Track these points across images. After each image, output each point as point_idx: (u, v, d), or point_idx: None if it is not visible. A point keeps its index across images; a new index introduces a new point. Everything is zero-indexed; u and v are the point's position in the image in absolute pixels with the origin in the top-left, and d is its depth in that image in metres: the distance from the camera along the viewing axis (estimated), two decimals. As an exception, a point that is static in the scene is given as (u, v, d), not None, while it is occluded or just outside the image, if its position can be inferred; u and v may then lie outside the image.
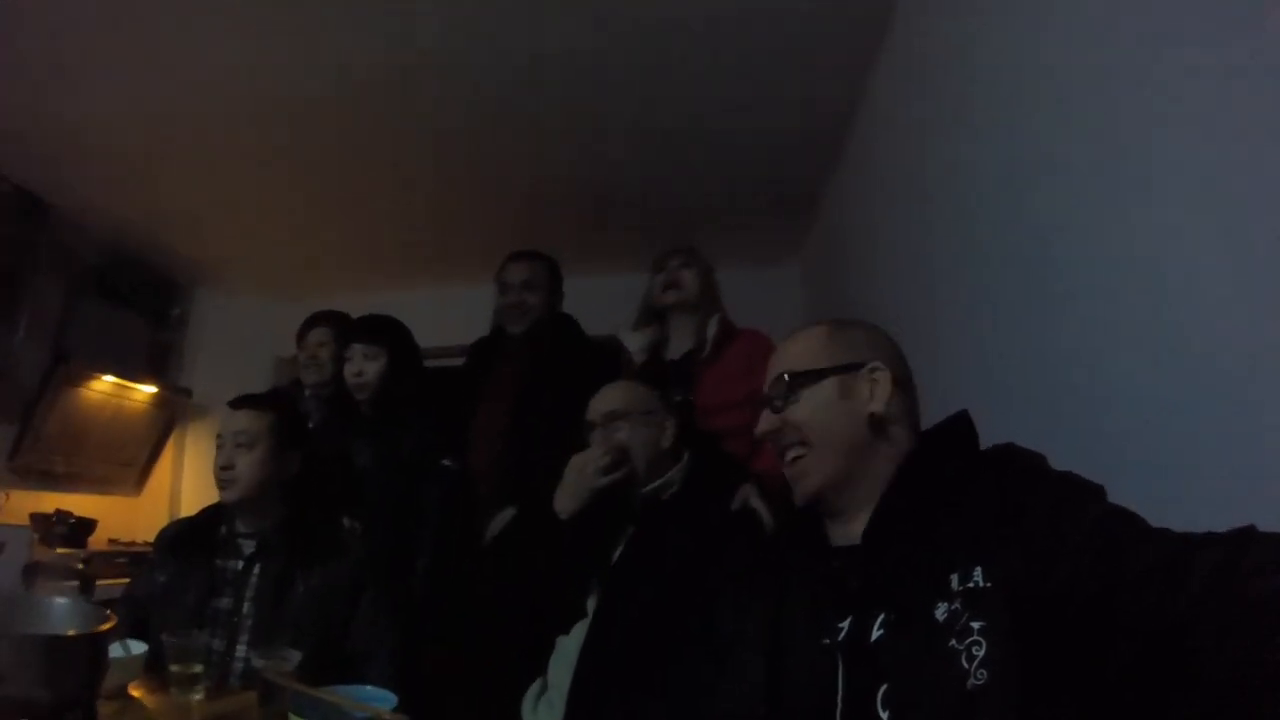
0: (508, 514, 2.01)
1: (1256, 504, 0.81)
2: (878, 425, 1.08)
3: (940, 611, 0.87)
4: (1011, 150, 1.59)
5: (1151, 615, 0.73)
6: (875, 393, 1.09)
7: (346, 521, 2.02)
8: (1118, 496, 0.87)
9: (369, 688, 1.25)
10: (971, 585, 0.87)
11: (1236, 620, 0.67)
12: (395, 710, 1.18)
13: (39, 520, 3.36)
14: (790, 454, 1.11)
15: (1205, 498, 0.97)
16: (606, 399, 1.73)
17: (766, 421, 1.14)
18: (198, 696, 1.42)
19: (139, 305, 4.23)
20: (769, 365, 1.19)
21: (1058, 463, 0.95)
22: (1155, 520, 0.82)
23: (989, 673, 0.80)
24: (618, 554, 1.61)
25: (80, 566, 1.73)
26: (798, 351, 1.16)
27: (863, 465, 1.06)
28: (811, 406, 1.10)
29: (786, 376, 1.13)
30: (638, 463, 1.65)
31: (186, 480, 4.52)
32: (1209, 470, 0.99)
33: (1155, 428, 1.11)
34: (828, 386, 1.10)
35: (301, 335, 2.77)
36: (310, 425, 2.44)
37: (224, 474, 1.77)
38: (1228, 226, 0.97)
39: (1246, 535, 0.73)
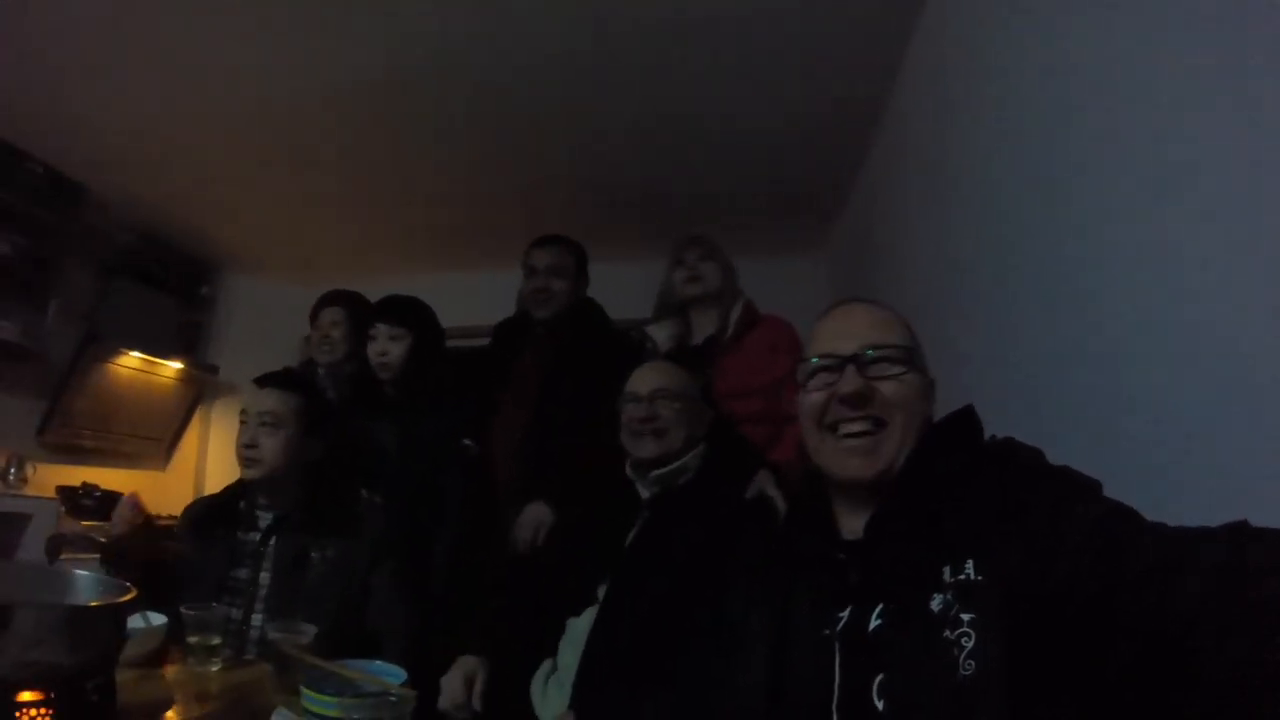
0: (540, 513, 2.04)
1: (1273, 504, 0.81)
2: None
3: (935, 603, 0.88)
4: (1040, 150, 1.58)
5: (1151, 615, 0.72)
6: (932, 402, 1.09)
7: (365, 493, 2.04)
8: (1132, 495, 0.86)
9: (379, 662, 1.27)
10: (963, 578, 0.87)
11: (1237, 620, 0.67)
12: (404, 685, 1.20)
13: (66, 493, 3.43)
14: (855, 426, 1.04)
15: (1221, 498, 0.95)
16: (655, 376, 1.74)
17: (853, 382, 1.04)
18: (215, 668, 1.45)
19: (169, 286, 4.29)
20: (843, 323, 1.11)
21: (1076, 460, 0.94)
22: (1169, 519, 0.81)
23: (976, 664, 0.81)
24: (630, 539, 1.62)
25: (103, 540, 1.76)
26: (895, 328, 1.10)
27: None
28: (911, 389, 1.05)
29: (899, 350, 1.06)
30: (676, 444, 1.65)
31: (212, 455, 4.60)
32: (1226, 470, 0.98)
33: (1173, 428, 1.10)
34: (919, 377, 1.07)
35: (314, 315, 2.77)
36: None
37: (248, 452, 1.80)
38: (1249, 229, 0.96)
39: (1243, 532, 0.73)
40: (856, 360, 1.05)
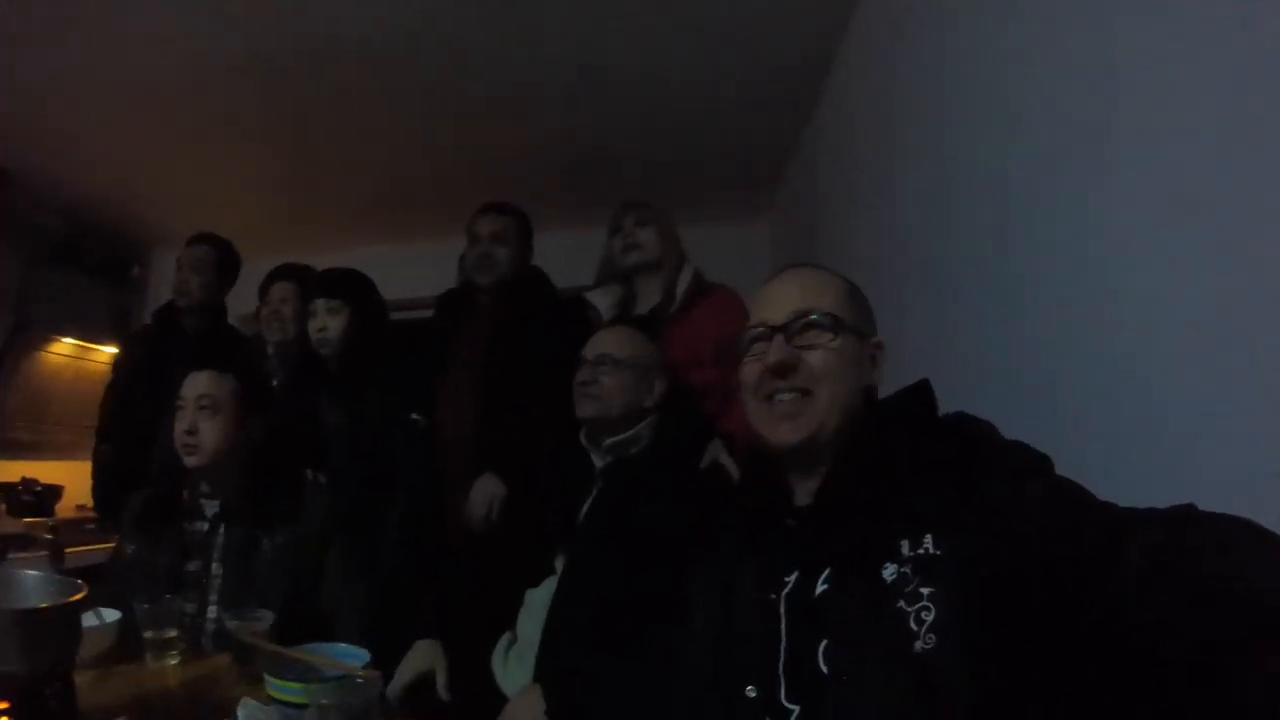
0: (492, 485, 2.04)
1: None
2: (869, 398, 1.09)
3: (888, 572, 0.89)
4: (984, 118, 1.58)
5: (1099, 591, 0.74)
6: (876, 366, 1.10)
7: (310, 474, 2.01)
8: (1066, 472, 0.87)
9: (342, 645, 1.28)
10: (922, 551, 0.88)
11: (1175, 598, 0.68)
12: (368, 666, 1.21)
13: (4, 490, 3.33)
14: (785, 395, 1.05)
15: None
16: (604, 341, 1.73)
17: (781, 351, 1.05)
18: (173, 661, 1.45)
19: (98, 269, 4.15)
20: (777, 291, 1.12)
21: (1012, 433, 0.95)
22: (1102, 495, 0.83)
23: (938, 637, 0.82)
24: (585, 510, 1.63)
25: (49, 536, 1.72)
26: (828, 293, 1.10)
27: (846, 430, 1.04)
28: (841, 357, 1.05)
29: (826, 317, 1.06)
30: (613, 410, 1.64)
31: (152, 443, 4.45)
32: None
33: (1104, 406, 1.12)
34: (852, 343, 1.07)
35: (264, 290, 2.69)
36: (275, 384, 2.43)
37: (188, 439, 1.74)
38: (1184, 217, 0.98)
39: (1185, 515, 0.75)
40: (785, 329, 1.06)
